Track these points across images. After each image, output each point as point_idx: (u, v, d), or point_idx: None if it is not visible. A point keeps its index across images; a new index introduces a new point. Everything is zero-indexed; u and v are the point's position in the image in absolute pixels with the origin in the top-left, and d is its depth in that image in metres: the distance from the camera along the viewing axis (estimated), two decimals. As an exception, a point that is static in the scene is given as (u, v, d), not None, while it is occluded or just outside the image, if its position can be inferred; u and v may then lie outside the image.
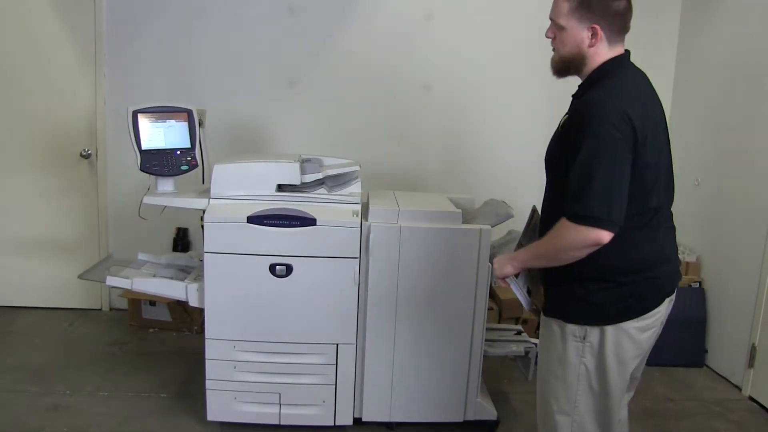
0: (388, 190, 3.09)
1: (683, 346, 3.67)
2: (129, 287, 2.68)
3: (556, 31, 1.85)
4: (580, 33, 1.80)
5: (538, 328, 3.76)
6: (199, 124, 2.96)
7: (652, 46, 4.00)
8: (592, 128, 1.67)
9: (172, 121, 2.75)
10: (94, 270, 2.85)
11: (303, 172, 2.65)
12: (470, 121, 4.02)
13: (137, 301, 3.87)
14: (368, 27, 3.91)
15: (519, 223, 3.03)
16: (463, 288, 2.68)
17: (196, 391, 3.04)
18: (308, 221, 2.55)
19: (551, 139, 1.94)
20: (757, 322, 3.30)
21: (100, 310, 4.18)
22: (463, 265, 2.67)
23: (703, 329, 3.71)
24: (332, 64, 3.94)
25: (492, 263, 2.03)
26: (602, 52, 1.81)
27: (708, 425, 3.08)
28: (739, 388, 3.43)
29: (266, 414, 2.72)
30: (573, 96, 1.92)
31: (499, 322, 3.69)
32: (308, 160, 2.77)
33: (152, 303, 3.84)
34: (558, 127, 1.90)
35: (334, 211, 2.62)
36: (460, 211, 2.71)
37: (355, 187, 2.77)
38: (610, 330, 1.80)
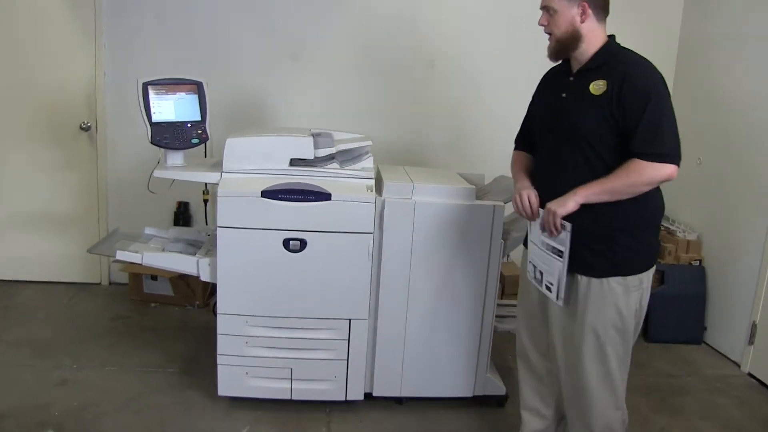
0: (395, 165, 3.07)
1: (683, 323, 3.71)
2: (140, 261, 2.65)
3: (548, 17, 2.10)
4: (570, 12, 2.06)
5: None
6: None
7: (655, 26, 4.00)
8: (654, 87, 1.96)
9: (182, 94, 2.71)
10: (102, 244, 2.82)
11: (316, 146, 2.62)
12: (475, 96, 4.00)
13: (138, 276, 3.84)
14: (372, 1, 3.85)
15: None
16: (476, 264, 2.69)
17: (204, 365, 3.04)
18: (323, 196, 2.53)
19: (575, 110, 2.07)
20: (759, 300, 3.35)
21: (99, 284, 4.14)
22: (476, 241, 2.67)
23: (703, 307, 3.75)
24: (335, 39, 3.89)
25: (545, 208, 2.07)
26: (595, 28, 2.08)
27: (710, 400, 3.12)
28: (738, 365, 3.48)
29: (277, 389, 2.72)
30: (583, 70, 2.10)
31: (501, 298, 3.70)
32: (319, 135, 2.75)
33: (153, 277, 3.81)
34: (584, 98, 2.04)
35: (348, 186, 2.60)
36: (474, 187, 2.70)
37: (367, 162, 2.75)
38: (651, 271, 2.13)
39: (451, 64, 3.95)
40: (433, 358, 2.77)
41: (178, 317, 3.73)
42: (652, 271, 2.14)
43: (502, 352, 3.33)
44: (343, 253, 2.60)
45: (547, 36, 2.13)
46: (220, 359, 2.68)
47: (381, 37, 3.88)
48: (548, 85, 2.30)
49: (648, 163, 1.94)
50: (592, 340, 2.11)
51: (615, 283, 2.07)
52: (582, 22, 2.05)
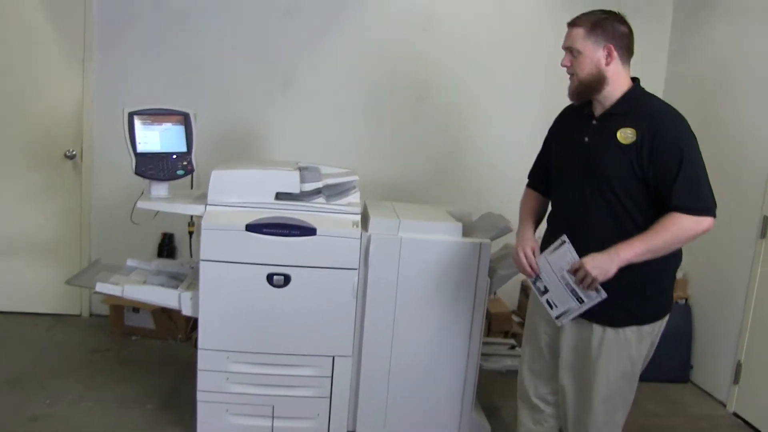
0: (382, 200, 3.06)
1: (669, 361, 3.68)
2: (120, 294, 2.60)
3: (572, 58, 2.04)
4: (596, 54, 2.00)
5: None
6: (190, 128, 2.88)
7: (645, 45, 4.04)
8: (685, 137, 1.95)
9: (169, 124, 2.68)
10: (82, 275, 2.77)
11: (302, 180, 2.61)
12: (464, 133, 4.01)
13: (120, 308, 3.77)
14: (364, 34, 3.89)
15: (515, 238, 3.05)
16: (462, 301, 2.66)
17: (183, 401, 2.97)
18: (308, 231, 2.51)
19: (600, 157, 2.01)
20: (743, 340, 3.34)
21: (79, 315, 4.06)
22: (462, 279, 2.65)
23: (689, 345, 3.73)
24: (325, 70, 3.90)
25: (581, 265, 1.96)
26: (620, 71, 2.02)
27: (697, 442, 3.10)
28: (723, 404, 3.46)
29: (258, 427, 2.66)
30: (607, 114, 2.04)
31: (488, 336, 3.67)
32: (306, 168, 2.73)
33: (135, 309, 3.74)
34: (610, 146, 1.99)
35: (333, 221, 2.58)
36: (460, 224, 2.69)
37: (354, 197, 2.73)
38: (666, 318, 2.11)
39: (441, 99, 3.97)
40: (418, 396, 2.72)
41: (159, 351, 3.66)
42: (667, 317, 2.11)
43: (488, 391, 3.29)
44: (328, 289, 2.57)
45: (569, 76, 2.08)
46: (200, 395, 2.62)
47: (371, 70, 3.90)
48: (567, 126, 2.22)
49: (689, 216, 1.91)
50: (604, 387, 2.08)
51: (630, 332, 2.04)
52: (607, 64, 1.99)
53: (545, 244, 2.14)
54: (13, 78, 3.79)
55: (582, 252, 1.98)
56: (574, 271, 1.98)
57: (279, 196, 2.60)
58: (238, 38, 3.83)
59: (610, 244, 1.95)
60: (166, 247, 3.93)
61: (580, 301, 1.99)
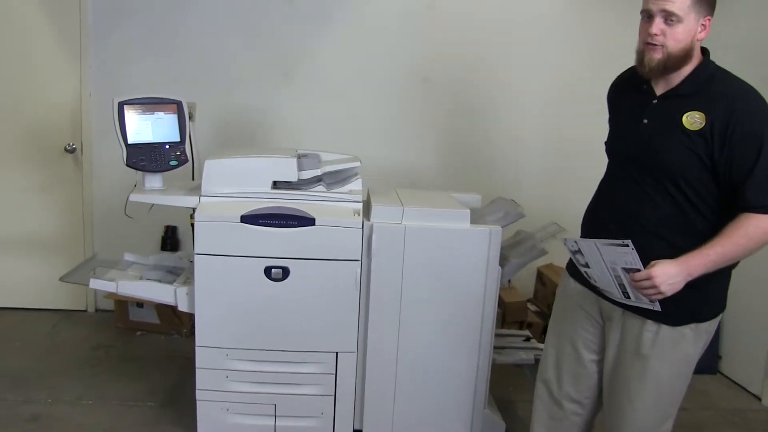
0: (387, 187, 2.91)
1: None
2: (114, 290, 2.50)
3: (664, 26, 1.74)
4: (695, 26, 1.74)
5: (543, 332, 3.66)
6: (190, 118, 2.78)
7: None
8: (766, 125, 1.69)
9: (161, 114, 2.57)
10: (76, 271, 2.67)
11: (300, 168, 2.49)
12: (472, 115, 3.85)
13: (124, 303, 3.68)
14: (367, 17, 3.73)
15: (528, 223, 2.90)
16: (472, 292, 2.53)
17: (185, 399, 2.87)
18: (306, 221, 2.38)
19: (661, 143, 1.78)
20: (775, 329, 3.16)
21: (85, 311, 3.99)
22: (472, 268, 2.50)
23: (717, 334, 3.55)
24: (328, 56, 3.76)
25: (650, 277, 1.70)
26: (697, 46, 1.79)
27: (727, 437, 2.94)
28: (758, 398, 3.28)
29: (260, 426, 2.56)
30: (672, 95, 1.80)
31: (502, 327, 3.53)
32: (305, 156, 2.61)
33: (140, 305, 3.66)
34: (673, 131, 1.76)
35: (333, 210, 2.46)
36: (468, 210, 2.54)
37: (355, 185, 2.60)
38: (722, 313, 1.92)
39: (446, 82, 3.81)
40: (427, 392, 2.60)
41: (163, 346, 3.57)
42: (723, 312, 1.92)
43: (502, 385, 3.15)
44: (329, 281, 2.44)
45: (650, 46, 1.76)
46: (199, 394, 2.52)
47: (374, 53, 3.75)
48: (623, 101, 1.98)
49: (766, 216, 1.69)
50: (654, 390, 1.89)
51: (688, 329, 1.84)
52: (698, 40, 1.75)
53: (585, 234, 1.98)
54: (10, 72, 3.69)
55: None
56: (637, 279, 1.74)
57: (276, 185, 2.48)
58: (238, 25, 3.70)
59: (670, 247, 1.75)
60: (169, 240, 3.84)
61: (627, 296, 1.81)
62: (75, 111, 3.73)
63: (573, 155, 3.81)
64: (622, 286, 1.80)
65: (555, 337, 2.16)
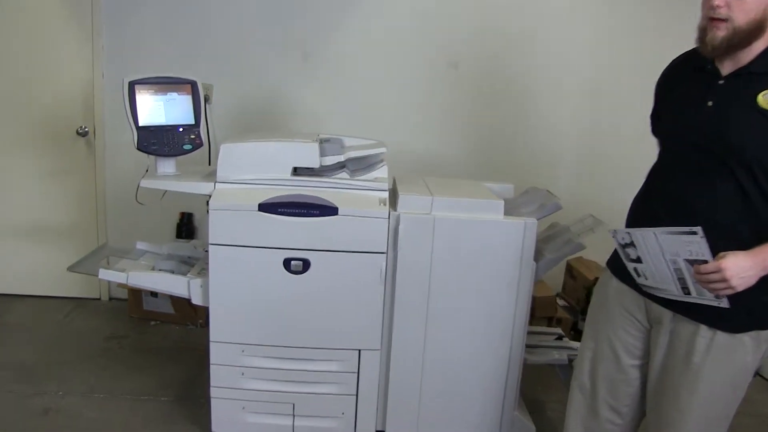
0: (414, 176, 2.75)
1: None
2: (124, 282, 2.37)
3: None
4: None
5: (573, 328, 3.50)
6: (206, 100, 2.64)
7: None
8: None
9: (174, 94, 2.42)
10: (85, 261, 2.55)
11: (322, 153, 2.33)
12: (501, 102, 3.66)
13: (138, 292, 3.57)
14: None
15: (561, 216, 2.72)
16: (503, 288, 2.37)
17: (200, 394, 2.75)
18: (329, 210, 2.23)
19: (733, 126, 1.60)
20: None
21: (98, 299, 3.88)
22: (505, 263, 2.35)
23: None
24: (349, 36, 3.57)
25: (720, 269, 1.52)
26: None
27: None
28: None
29: (278, 426, 2.42)
30: (744, 73, 1.61)
31: (530, 323, 3.36)
32: (327, 140, 2.45)
33: (154, 294, 3.53)
34: (748, 112, 1.58)
35: (358, 198, 2.30)
36: (501, 201, 2.38)
37: (381, 172, 2.44)
38: None
39: (476, 66, 3.62)
40: (454, 393, 2.45)
41: (177, 337, 3.45)
42: None
43: (530, 383, 2.99)
44: (352, 275, 2.29)
45: (714, 21, 1.60)
46: (213, 392, 2.40)
47: (399, 35, 3.57)
48: (681, 85, 1.80)
49: None
50: (705, 401, 1.72)
51: (747, 337, 1.66)
52: None
53: (632, 225, 1.80)
54: (19, 53, 3.56)
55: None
56: (704, 271, 1.56)
57: (297, 171, 2.33)
58: (256, 6, 3.53)
59: (739, 241, 1.57)
60: (185, 228, 3.71)
61: (686, 292, 1.64)
62: (87, 93, 3.60)
63: (608, 143, 3.63)
64: (682, 280, 1.63)
65: (592, 339, 1.99)
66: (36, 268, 3.80)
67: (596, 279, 3.42)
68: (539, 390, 3.03)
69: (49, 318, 3.60)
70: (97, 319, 3.63)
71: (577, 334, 3.39)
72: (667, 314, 1.75)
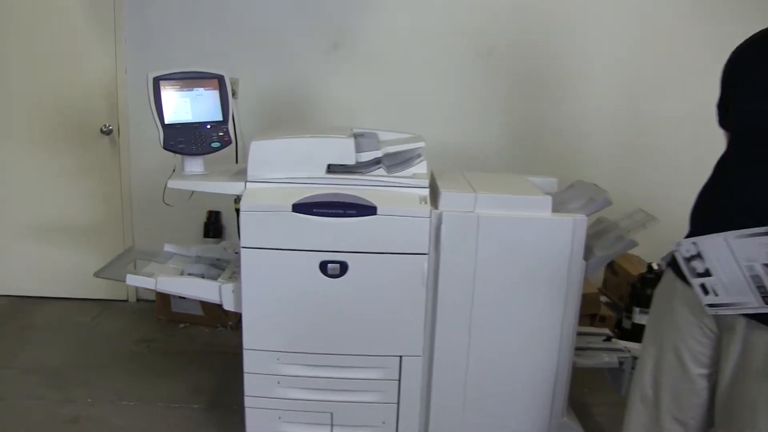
0: (452, 171, 2.61)
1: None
2: (153, 287, 2.27)
3: None
4: None
5: (617, 326, 3.34)
6: (232, 95, 2.52)
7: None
8: None
9: (201, 90, 2.30)
10: (112, 266, 2.45)
11: (358, 149, 2.19)
12: (539, 90, 3.50)
13: (166, 293, 3.47)
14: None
15: (613, 211, 2.56)
16: (552, 289, 2.22)
17: (232, 401, 2.65)
18: (367, 210, 2.10)
19: None
20: None
21: (126, 301, 3.81)
22: (553, 262, 2.20)
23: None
24: (381, 24, 3.44)
25: None
26: None
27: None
28: None
29: (316, 436, 2.31)
30: None
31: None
32: (362, 135, 2.32)
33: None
34: None
35: (397, 196, 2.17)
36: (549, 196, 2.23)
37: (420, 168, 2.31)
38: None
39: (511, 53, 3.46)
40: (500, 399, 2.32)
41: (207, 340, 3.36)
42: None
43: (575, 384, 2.84)
44: (392, 277, 2.16)
45: None
46: (248, 401, 2.28)
47: (432, 21, 3.42)
48: (757, 72, 1.63)
49: None
50: None
51: None
52: None
53: (698, 229, 1.64)
54: (40, 50, 3.48)
55: None
56: None
57: (331, 168, 2.20)
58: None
59: None
60: (212, 227, 3.61)
61: (767, 301, 1.48)
62: (110, 90, 3.51)
63: (650, 133, 3.45)
64: (761, 288, 1.46)
65: (654, 345, 1.83)
66: (62, 270, 3.73)
67: (640, 275, 3.28)
68: (585, 392, 2.89)
69: (77, 321, 3.53)
70: (124, 321, 3.55)
71: (622, 333, 3.25)
72: (740, 321, 1.59)
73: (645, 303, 3.15)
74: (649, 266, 3.26)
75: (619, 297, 3.53)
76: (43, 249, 3.72)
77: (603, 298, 3.54)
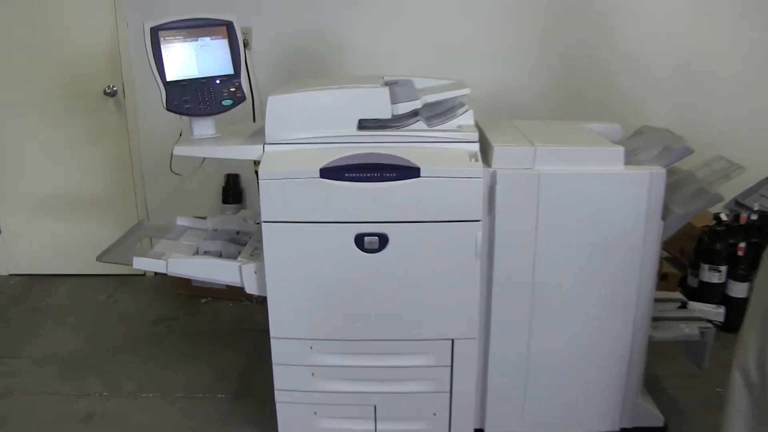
0: (497, 120, 2.26)
1: None
2: (163, 270, 1.99)
3: None
4: None
5: (681, 284, 3.01)
6: (245, 45, 2.19)
7: None
8: None
9: (207, 39, 1.99)
10: (117, 247, 2.17)
11: (393, 100, 1.86)
12: (585, 28, 3.13)
13: (182, 270, 3.22)
14: None
15: (692, 161, 2.21)
16: (625, 255, 1.92)
17: (261, 389, 2.39)
18: (409, 171, 1.78)
19: None
20: None
21: (143, 275, 3.56)
22: (626, 223, 1.89)
23: None
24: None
25: None
26: None
27: None
28: None
29: (358, 431, 2.05)
30: None
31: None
32: (396, 83, 1.99)
33: (202, 268, 3.18)
34: None
35: (442, 154, 1.84)
36: (621, 147, 1.89)
37: (465, 119, 1.98)
38: None
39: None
40: (566, 382, 2.05)
41: (232, 316, 3.10)
42: None
43: (652, 365, 2.54)
44: (440, 250, 1.86)
45: None
46: (278, 395, 2.03)
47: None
48: None
49: None
50: None
51: None
52: None
53: None
54: (34, 8, 3.16)
55: None
56: None
57: (362, 124, 1.87)
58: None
59: None
60: (231, 192, 3.33)
61: None
62: (111, 46, 3.19)
63: (706, 72, 3.07)
64: None
65: (760, 319, 1.55)
66: (74, 245, 3.49)
67: (707, 228, 2.94)
68: (653, 363, 2.57)
69: (91, 299, 3.30)
70: (142, 298, 3.31)
71: (686, 292, 2.92)
72: None
73: (715, 259, 2.82)
74: (717, 217, 2.91)
75: (681, 251, 3.20)
76: (53, 224, 3.48)
77: (663, 253, 3.21)
